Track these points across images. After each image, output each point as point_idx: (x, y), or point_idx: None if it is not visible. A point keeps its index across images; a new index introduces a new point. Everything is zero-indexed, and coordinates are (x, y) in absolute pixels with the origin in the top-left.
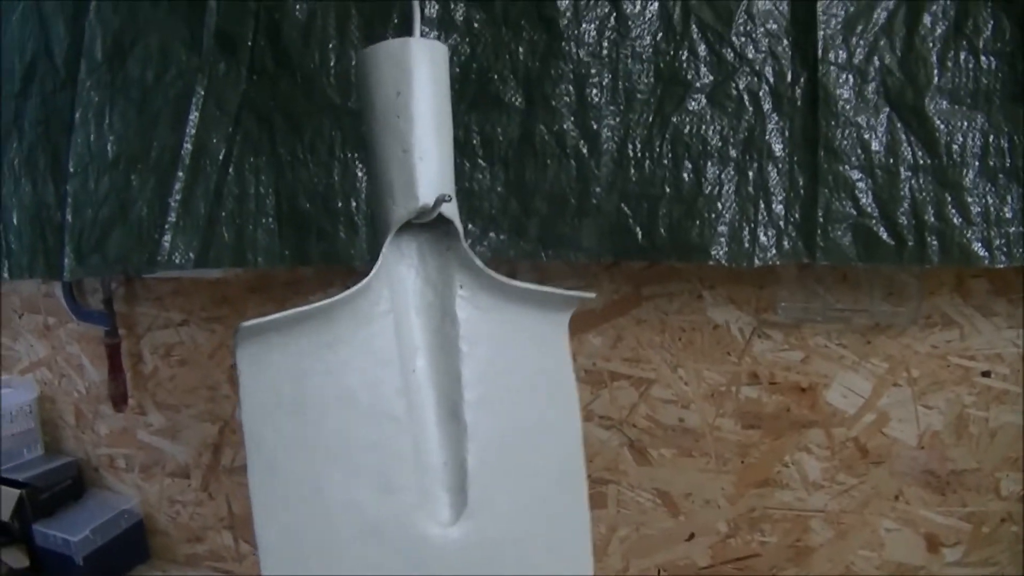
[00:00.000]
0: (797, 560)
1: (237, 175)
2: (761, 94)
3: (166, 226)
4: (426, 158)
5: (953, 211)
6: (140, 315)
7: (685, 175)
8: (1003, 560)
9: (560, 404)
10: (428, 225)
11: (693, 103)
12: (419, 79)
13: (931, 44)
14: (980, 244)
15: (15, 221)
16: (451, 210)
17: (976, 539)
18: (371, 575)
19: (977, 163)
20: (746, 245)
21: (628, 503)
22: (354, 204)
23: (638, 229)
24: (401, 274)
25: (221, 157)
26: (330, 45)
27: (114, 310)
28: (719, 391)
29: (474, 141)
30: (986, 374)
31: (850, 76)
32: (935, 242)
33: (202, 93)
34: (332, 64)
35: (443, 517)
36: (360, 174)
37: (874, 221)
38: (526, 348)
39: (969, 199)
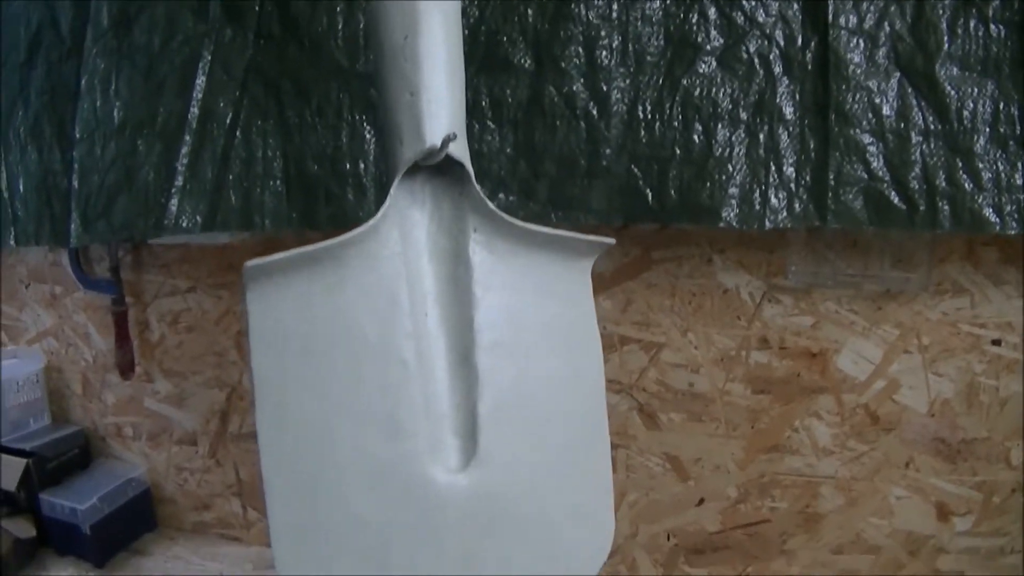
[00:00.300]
0: (806, 527)
1: (244, 139)
2: (771, 58)
3: (172, 191)
4: (434, 101)
5: (964, 177)
6: (147, 283)
7: (695, 137)
8: (1014, 531)
9: (582, 355)
10: (442, 170)
11: (703, 66)
12: (426, 23)
13: (941, 11)
14: (991, 210)
15: (21, 189)
16: (461, 152)
17: (987, 509)
18: (378, 520)
19: (988, 130)
20: (757, 208)
21: (637, 468)
22: (362, 166)
23: (648, 191)
24: (414, 219)
25: (228, 121)
26: (338, 9)
27: (121, 278)
28: (729, 356)
29: (483, 103)
30: (996, 343)
31: (860, 41)
32: (946, 207)
33: (209, 58)
34: (340, 28)
35: (452, 463)
36: (368, 136)
37: (885, 185)
38: (545, 296)
39: (980, 165)
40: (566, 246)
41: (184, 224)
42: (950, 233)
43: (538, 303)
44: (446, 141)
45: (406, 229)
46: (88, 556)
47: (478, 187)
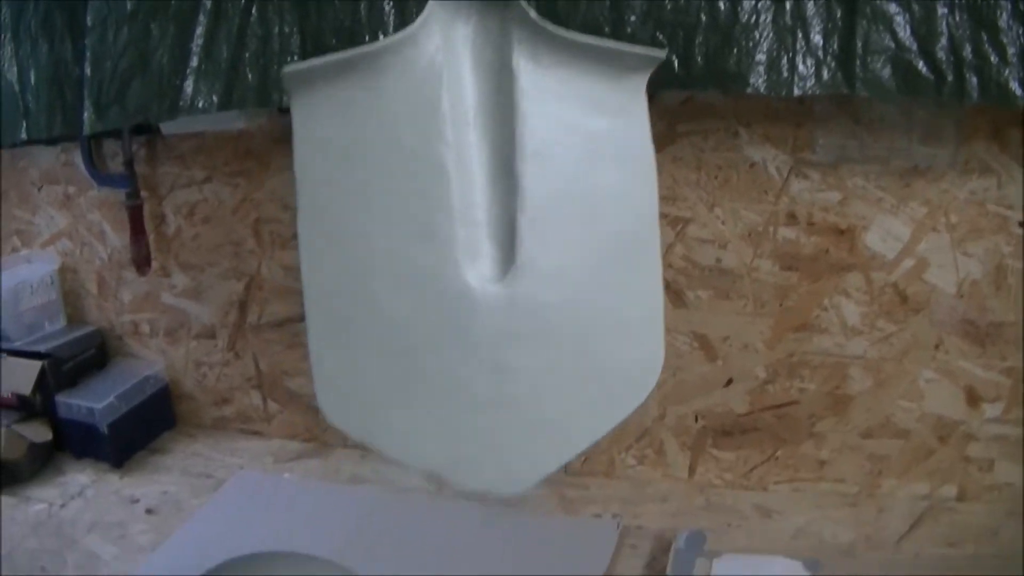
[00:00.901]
0: (836, 409)
1: (260, 17)
2: None
3: (187, 72)
4: None
5: (990, 50)
6: (162, 175)
7: (721, 4)
8: None
9: (633, 171)
10: None
11: None
12: None
13: None
14: (1017, 84)
15: (32, 81)
16: None
17: (1015, 395)
18: (410, 323)
19: (1010, 5)
20: (785, 74)
21: (665, 347)
22: (381, 39)
23: (674, 58)
24: (457, 30)
25: (243, 0)
26: None
27: (135, 172)
28: (756, 231)
29: None
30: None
31: None
32: (974, 79)
33: None
34: None
35: (487, 271)
36: (388, 7)
37: (913, 55)
38: (594, 110)
39: (1004, 40)
40: (615, 59)
41: (200, 104)
42: (977, 108)
43: (586, 117)
44: None
45: (449, 40)
46: (106, 457)
47: (525, 1)
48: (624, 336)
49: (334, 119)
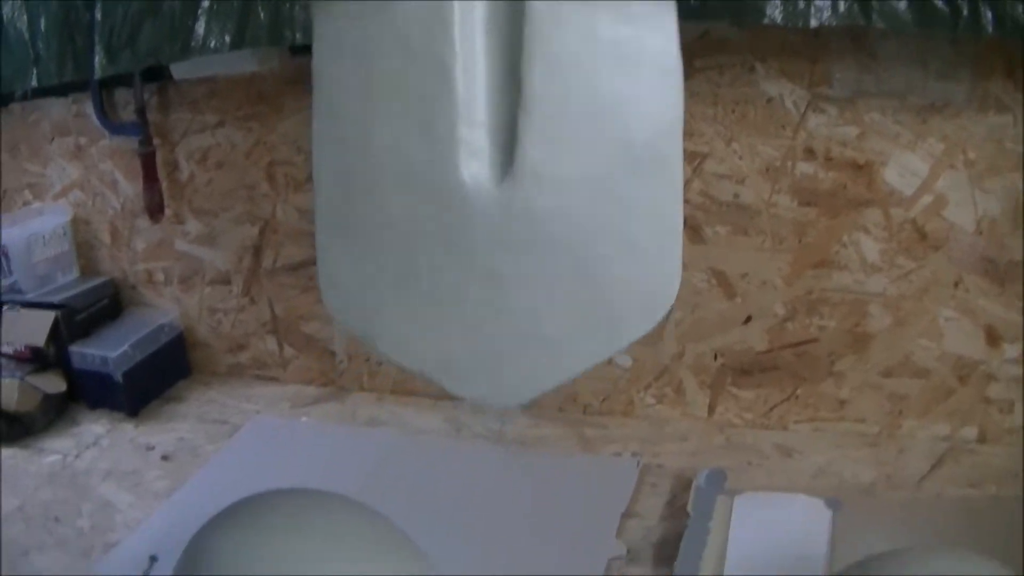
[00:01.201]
0: (855, 347)
1: None
2: None
3: (199, 12)
4: None
5: None
6: (174, 121)
7: None
8: None
9: (659, 82)
10: None
11: None
12: None
13: None
14: None
15: (42, 28)
16: None
17: None
18: (406, 221)
19: None
20: (801, 5)
21: (683, 284)
22: None
23: None
24: None
25: None
26: None
27: (147, 119)
28: (774, 166)
29: None
30: None
31: None
32: (989, 12)
33: None
34: None
35: (485, 173)
36: None
37: None
38: (619, 15)
39: None
40: None
41: (212, 44)
42: (991, 46)
43: (609, 22)
44: None
45: None
46: (121, 406)
47: None
48: (634, 256)
49: (349, 20)
